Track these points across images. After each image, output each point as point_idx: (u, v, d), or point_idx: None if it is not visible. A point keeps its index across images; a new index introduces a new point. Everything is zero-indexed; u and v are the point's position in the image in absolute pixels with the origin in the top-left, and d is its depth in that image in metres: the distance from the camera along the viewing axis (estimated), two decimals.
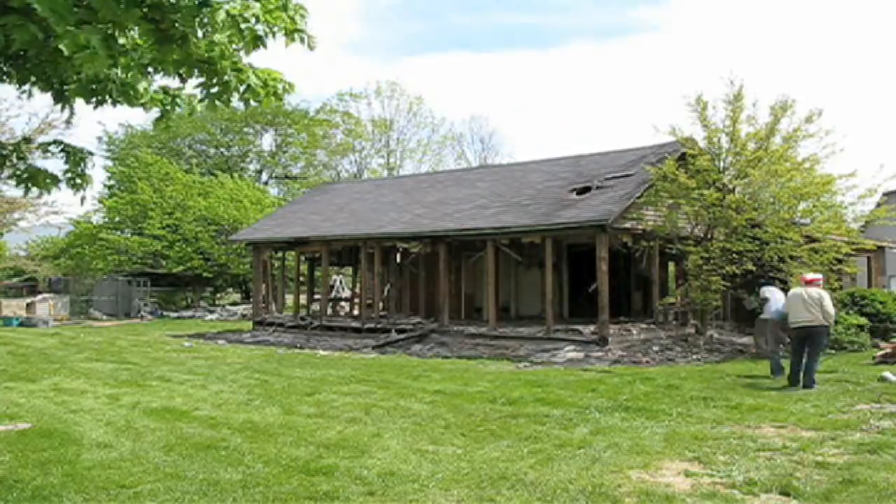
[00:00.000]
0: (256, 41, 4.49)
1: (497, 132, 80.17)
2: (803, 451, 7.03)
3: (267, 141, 50.84)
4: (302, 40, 4.62)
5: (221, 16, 4.25)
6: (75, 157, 5.96)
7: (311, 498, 5.80)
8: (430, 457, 7.00)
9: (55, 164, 6.22)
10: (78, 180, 5.97)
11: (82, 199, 6.32)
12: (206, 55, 4.57)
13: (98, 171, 50.34)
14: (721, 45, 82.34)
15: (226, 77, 4.70)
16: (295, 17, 4.54)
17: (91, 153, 6.13)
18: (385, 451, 7.27)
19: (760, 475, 6.21)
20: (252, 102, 4.91)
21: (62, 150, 6.02)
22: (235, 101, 4.91)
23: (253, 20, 4.37)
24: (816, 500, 5.62)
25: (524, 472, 6.41)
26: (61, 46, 4.25)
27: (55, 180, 5.97)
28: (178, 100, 5.31)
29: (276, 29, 4.48)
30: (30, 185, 5.98)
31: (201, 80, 4.78)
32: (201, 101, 4.94)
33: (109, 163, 45.97)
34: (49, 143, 6.14)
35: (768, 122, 16.47)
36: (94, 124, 64.97)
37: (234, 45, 4.61)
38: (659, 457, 6.94)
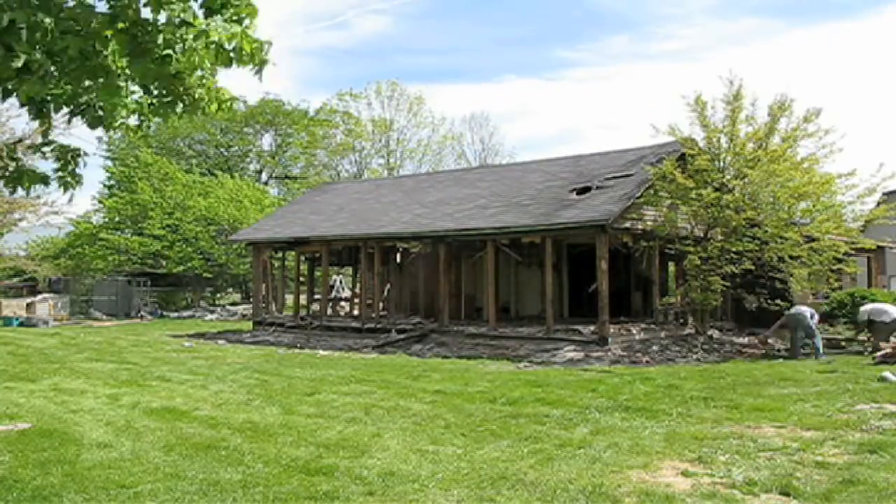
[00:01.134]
0: (228, 62, 4.72)
1: (497, 131, 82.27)
2: (803, 451, 7.03)
3: (267, 141, 50.94)
4: (258, 71, 4.84)
5: (200, 40, 4.53)
6: (66, 156, 5.93)
7: (311, 498, 5.80)
8: (430, 457, 7.00)
9: (46, 165, 6.20)
10: (69, 179, 5.95)
11: (71, 197, 6.30)
12: (175, 70, 4.78)
13: (98, 171, 50.36)
14: (721, 46, 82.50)
15: (192, 92, 4.95)
16: (263, 46, 4.78)
17: (85, 153, 6.09)
18: (385, 451, 7.27)
19: (760, 475, 6.21)
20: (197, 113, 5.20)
21: (53, 150, 6.00)
22: (179, 110, 5.17)
23: (227, 43, 4.60)
24: (816, 500, 5.62)
25: (524, 472, 6.41)
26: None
27: (44, 180, 5.94)
28: (152, 117, 5.46)
29: (243, 54, 4.71)
30: (16, 185, 5.93)
31: (163, 92, 5.01)
32: (155, 112, 5.19)
33: (109, 162, 46.01)
34: (42, 144, 6.12)
35: (767, 121, 16.49)
36: None
37: (206, 63, 4.84)
38: (659, 457, 6.94)
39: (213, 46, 4.54)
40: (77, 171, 5.99)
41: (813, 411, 9.02)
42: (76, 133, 64.13)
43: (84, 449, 7.46)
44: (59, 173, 5.94)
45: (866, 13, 79.64)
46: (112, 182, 43.70)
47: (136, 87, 5.32)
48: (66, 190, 5.98)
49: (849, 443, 7.34)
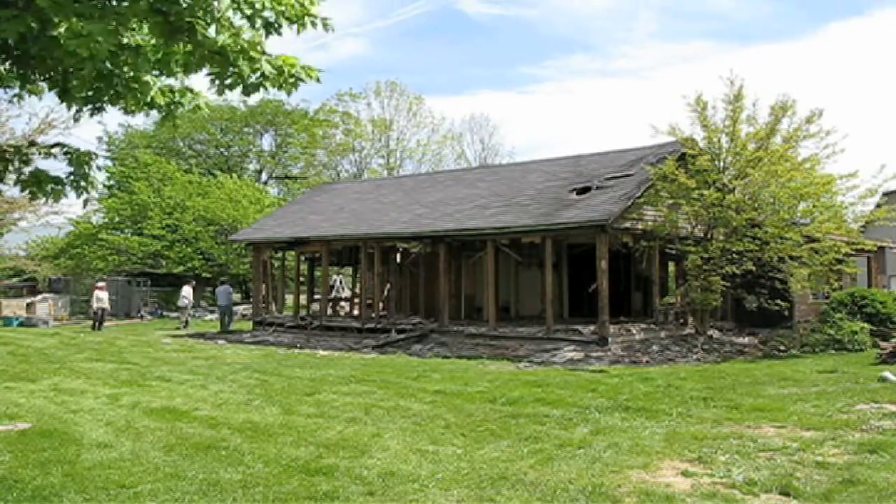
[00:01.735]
0: (269, 28, 4.42)
1: (497, 131, 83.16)
2: (803, 451, 7.03)
3: (267, 141, 50.87)
4: (314, 24, 4.51)
5: (226, 2, 4.23)
6: (79, 160, 5.89)
7: (311, 498, 5.80)
8: (430, 457, 7.00)
9: (56, 166, 6.17)
10: (83, 183, 5.90)
11: (85, 201, 6.18)
12: (218, 46, 4.52)
13: (97, 172, 50.22)
14: (721, 47, 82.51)
15: (237, 67, 4.62)
16: (304, 2, 4.46)
17: (96, 154, 6.07)
18: (385, 451, 7.27)
19: (760, 475, 6.21)
20: (266, 90, 4.82)
21: (65, 153, 5.96)
22: (245, 89, 4.80)
23: (259, 5, 4.30)
24: (816, 500, 5.62)
25: (524, 472, 6.41)
26: (56, 34, 4.24)
27: (62, 185, 5.90)
28: (182, 98, 5.30)
29: (285, 13, 4.41)
30: (35, 190, 5.88)
31: (215, 70, 4.70)
32: (214, 89, 4.85)
33: (109, 163, 45.98)
34: (52, 146, 6.09)
35: (768, 122, 16.49)
36: (94, 124, 65.08)
37: (246, 34, 4.55)
38: (659, 457, 6.94)
39: (248, 12, 4.25)
40: (90, 173, 5.96)
41: (813, 411, 9.02)
42: (76, 133, 64.26)
43: (84, 449, 7.46)
44: (73, 177, 5.90)
45: (809, 33, 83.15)
46: (112, 182, 43.69)
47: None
48: (80, 194, 5.94)
49: (849, 443, 7.34)
